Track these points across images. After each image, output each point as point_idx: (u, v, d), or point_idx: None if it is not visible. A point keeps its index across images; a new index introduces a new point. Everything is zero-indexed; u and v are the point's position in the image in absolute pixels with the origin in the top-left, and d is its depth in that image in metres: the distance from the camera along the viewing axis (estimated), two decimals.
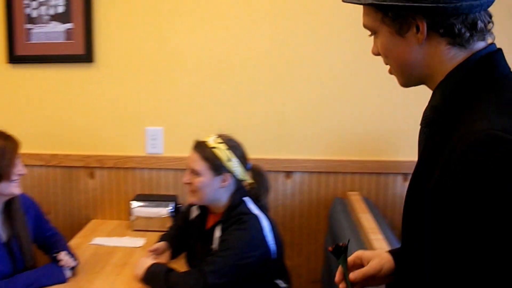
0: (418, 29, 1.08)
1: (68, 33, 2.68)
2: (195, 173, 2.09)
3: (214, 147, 2.10)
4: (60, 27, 2.68)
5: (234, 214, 2.07)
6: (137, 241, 2.52)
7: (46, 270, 2.09)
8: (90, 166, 2.78)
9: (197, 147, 2.13)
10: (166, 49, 2.68)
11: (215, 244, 2.08)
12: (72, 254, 2.20)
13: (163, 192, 2.78)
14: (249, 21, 2.63)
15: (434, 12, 1.05)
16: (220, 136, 2.15)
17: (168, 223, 2.63)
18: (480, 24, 1.06)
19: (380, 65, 1.26)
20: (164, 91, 2.71)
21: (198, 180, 2.08)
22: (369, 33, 1.19)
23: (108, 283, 2.11)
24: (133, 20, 2.67)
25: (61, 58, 2.71)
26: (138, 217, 2.65)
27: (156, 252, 2.27)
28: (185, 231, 2.38)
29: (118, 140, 2.76)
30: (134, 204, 2.65)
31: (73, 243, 2.47)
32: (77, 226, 2.76)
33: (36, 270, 2.08)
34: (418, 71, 1.13)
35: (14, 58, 2.73)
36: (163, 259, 2.24)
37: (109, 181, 2.80)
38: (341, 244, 1.30)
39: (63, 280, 2.07)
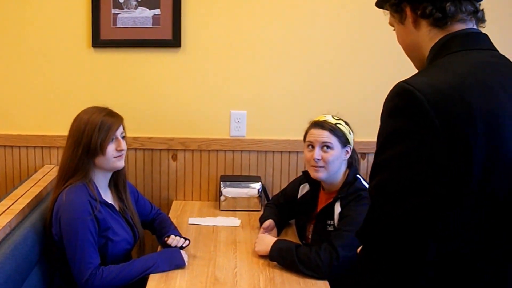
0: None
1: (155, 19, 2.73)
2: (326, 147, 2.24)
3: (337, 123, 2.26)
4: (147, 13, 2.73)
5: (352, 191, 2.22)
6: (234, 220, 2.63)
7: (164, 255, 2.12)
8: (173, 149, 2.86)
9: (321, 124, 2.27)
10: (250, 35, 2.78)
11: (336, 219, 2.23)
12: (179, 234, 2.28)
13: (245, 173, 2.89)
14: (335, 6, 2.76)
15: None
16: (332, 115, 2.31)
17: (255, 203, 2.75)
18: (450, 8, 1.25)
19: None
20: (247, 76, 2.82)
21: (329, 154, 2.23)
22: None
23: (231, 259, 2.20)
24: (219, 6, 2.75)
25: (148, 43, 2.76)
26: (226, 198, 2.75)
27: (268, 229, 2.40)
28: (288, 208, 2.53)
29: (202, 123, 2.85)
30: (223, 185, 2.76)
31: None
32: (157, 207, 2.83)
33: (153, 254, 2.14)
34: (418, 53, 1.32)
35: (99, 42, 2.75)
36: (273, 235, 2.37)
37: (192, 163, 2.88)
38: None
39: (182, 264, 2.10)
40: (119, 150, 2.12)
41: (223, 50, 2.79)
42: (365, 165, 2.88)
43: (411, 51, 1.34)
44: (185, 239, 2.25)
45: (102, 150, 2.06)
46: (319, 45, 2.80)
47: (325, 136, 2.24)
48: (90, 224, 2.01)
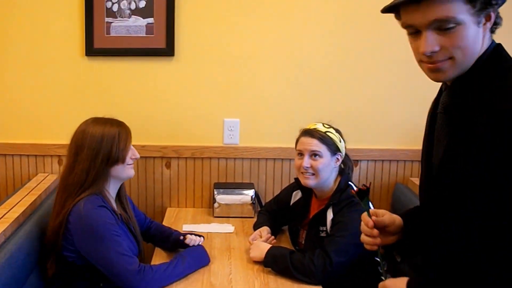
0: (489, 19, 1.27)
1: (149, 28, 2.76)
2: (316, 156, 2.27)
3: (327, 131, 2.29)
4: (141, 21, 2.75)
5: (344, 197, 2.25)
6: (228, 227, 2.65)
7: (195, 254, 2.19)
8: (166, 156, 2.88)
9: (311, 133, 2.30)
10: (243, 44, 2.81)
11: (328, 226, 2.25)
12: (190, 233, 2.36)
13: (238, 180, 2.91)
14: (327, 16, 2.80)
15: (501, 3, 1.27)
16: (323, 123, 2.34)
17: (248, 209, 2.78)
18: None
19: None
20: (240, 84, 2.84)
21: (319, 162, 2.26)
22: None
23: (226, 265, 2.23)
24: (212, 15, 2.78)
25: (142, 52, 2.78)
26: (220, 205, 2.77)
27: (265, 238, 2.41)
28: (280, 214, 2.55)
29: (196, 131, 2.87)
30: (217, 192, 2.78)
31: None
32: (151, 215, 2.85)
33: (186, 255, 2.15)
34: (472, 57, 1.28)
35: (93, 51, 2.77)
36: (270, 242, 2.39)
37: (186, 171, 2.90)
38: (363, 186, 1.51)
39: (208, 262, 2.21)
40: (133, 158, 2.18)
41: (216, 59, 2.82)
42: (357, 172, 2.91)
43: (470, 55, 1.27)
44: (200, 236, 2.33)
45: (123, 159, 2.10)
46: (312, 54, 2.83)
47: (314, 144, 2.27)
48: (117, 228, 2.04)
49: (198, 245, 2.27)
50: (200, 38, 2.80)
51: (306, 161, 2.28)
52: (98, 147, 2.06)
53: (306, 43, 2.82)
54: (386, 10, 1.33)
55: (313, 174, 2.28)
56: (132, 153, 2.17)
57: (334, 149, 2.28)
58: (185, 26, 2.78)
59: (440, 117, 1.38)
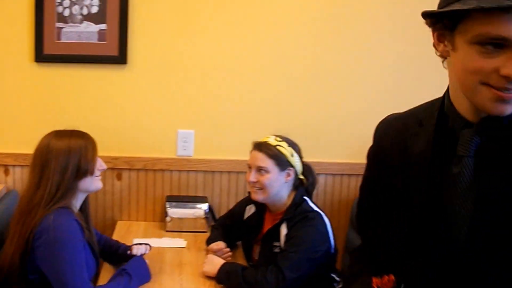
0: None
1: (101, 34, 2.67)
2: (262, 171, 2.21)
3: (277, 145, 2.23)
4: (93, 27, 2.66)
5: (299, 212, 2.20)
6: (180, 242, 2.56)
7: (140, 268, 2.12)
8: (118, 168, 2.78)
9: (260, 146, 2.25)
10: (199, 53, 2.74)
11: (282, 241, 2.20)
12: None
13: (192, 194, 2.83)
14: (282, 24, 2.75)
15: None
16: (277, 136, 2.29)
17: (202, 224, 2.70)
18: None
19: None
20: (196, 94, 2.77)
21: (265, 177, 2.20)
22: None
23: (176, 281, 2.17)
24: (167, 23, 2.71)
25: (93, 59, 2.69)
26: (172, 218, 2.69)
27: (219, 252, 2.35)
28: (234, 229, 2.48)
29: (148, 142, 2.78)
30: (169, 205, 2.69)
31: None
32: (101, 228, 2.73)
33: (129, 271, 2.08)
34: None
35: (42, 57, 2.67)
36: (225, 257, 2.32)
37: (137, 183, 2.81)
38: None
39: (149, 279, 2.15)
40: (100, 170, 2.13)
41: (171, 68, 2.74)
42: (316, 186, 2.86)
43: None
44: (146, 244, 2.29)
45: (91, 171, 2.05)
46: (270, 65, 2.78)
47: (260, 159, 2.22)
48: (81, 246, 1.98)
49: (141, 260, 2.18)
50: (154, 46, 2.72)
51: (252, 176, 2.23)
52: (66, 160, 2.01)
53: (263, 53, 2.77)
54: (450, 12, 1.04)
55: (261, 189, 2.23)
56: (100, 164, 2.13)
57: (283, 164, 2.22)
58: (139, 33, 2.70)
59: (466, 163, 1.13)
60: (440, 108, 1.20)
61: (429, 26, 1.13)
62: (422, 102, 1.29)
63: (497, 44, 1.00)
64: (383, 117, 1.36)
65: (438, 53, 1.14)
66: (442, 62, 1.16)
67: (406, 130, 1.25)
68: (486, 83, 1.02)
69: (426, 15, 1.09)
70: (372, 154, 1.37)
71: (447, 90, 1.19)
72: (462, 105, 1.13)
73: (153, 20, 2.71)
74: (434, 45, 1.14)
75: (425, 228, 1.18)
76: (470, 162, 1.12)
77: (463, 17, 1.02)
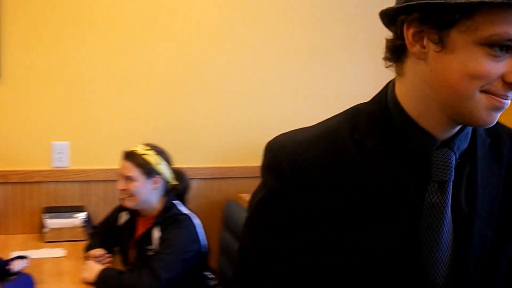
0: None
1: None
2: (129, 179, 2.36)
3: (144, 154, 2.39)
4: None
5: (170, 216, 2.38)
6: (58, 251, 2.62)
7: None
8: None
9: (128, 156, 2.40)
10: (73, 65, 2.83)
11: (155, 244, 2.36)
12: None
13: (69, 204, 2.90)
14: (152, 37, 2.92)
15: None
16: (146, 144, 2.45)
17: (80, 232, 2.79)
18: None
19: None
20: (70, 106, 2.86)
21: (132, 185, 2.36)
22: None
23: None
24: (40, 35, 2.77)
25: None
26: (51, 229, 2.75)
27: (99, 258, 2.45)
28: (110, 235, 2.60)
29: (23, 155, 2.82)
30: (47, 216, 2.75)
31: None
32: None
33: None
34: None
35: None
36: (105, 263, 2.43)
37: (13, 196, 2.84)
38: None
39: None
40: None
41: (43, 81, 2.80)
42: None
43: None
44: (22, 257, 2.27)
45: None
46: (142, 75, 2.93)
47: (127, 168, 2.37)
48: None
49: (26, 276, 2.21)
50: (28, 59, 2.77)
51: (120, 184, 2.37)
52: None
53: (135, 64, 2.91)
54: (458, 5, 0.85)
55: (130, 196, 2.38)
56: None
57: (149, 172, 2.38)
58: (12, 45, 2.74)
59: (448, 189, 0.97)
60: (387, 126, 0.98)
61: (392, 23, 0.95)
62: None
63: (505, 47, 0.87)
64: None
65: (388, 57, 0.99)
66: (389, 66, 1.00)
67: (338, 158, 0.98)
68: (486, 90, 0.89)
69: (415, 7, 0.89)
70: (278, 196, 1.04)
71: (396, 104, 0.99)
72: (429, 120, 0.96)
73: (26, 33, 2.75)
74: (407, 44, 0.93)
75: None
76: (450, 187, 0.97)
77: (471, 12, 0.86)
